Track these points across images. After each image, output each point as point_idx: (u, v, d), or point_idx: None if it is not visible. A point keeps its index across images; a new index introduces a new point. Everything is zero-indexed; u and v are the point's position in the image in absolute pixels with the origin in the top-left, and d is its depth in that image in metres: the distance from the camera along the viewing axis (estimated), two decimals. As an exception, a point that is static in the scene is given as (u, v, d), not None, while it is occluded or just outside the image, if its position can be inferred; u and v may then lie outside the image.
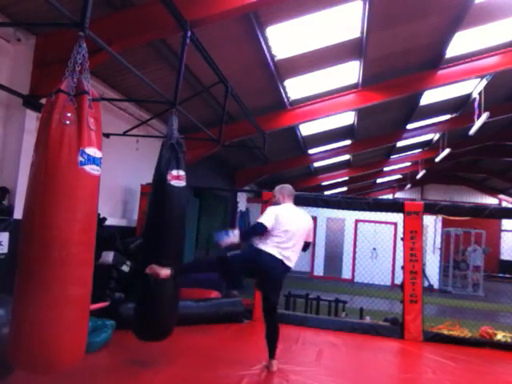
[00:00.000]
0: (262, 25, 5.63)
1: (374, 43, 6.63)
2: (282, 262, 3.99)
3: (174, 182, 3.75)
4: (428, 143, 14.35)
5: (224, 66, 5.23)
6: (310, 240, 4.43)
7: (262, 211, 6.72)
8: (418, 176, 16.91)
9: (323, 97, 8.36)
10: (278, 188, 4.42)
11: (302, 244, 4.23)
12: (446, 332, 6.16)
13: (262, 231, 3.95)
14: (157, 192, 3.81)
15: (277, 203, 4.29)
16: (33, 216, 2.42)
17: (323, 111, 8.51)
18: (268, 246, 3.95)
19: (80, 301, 2.52)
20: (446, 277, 14.24)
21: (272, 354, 4.12)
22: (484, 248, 14.42)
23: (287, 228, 4.00)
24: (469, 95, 9.91)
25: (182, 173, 3.80)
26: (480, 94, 9.02)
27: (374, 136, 12.25)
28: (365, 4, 5.63)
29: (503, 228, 22.04)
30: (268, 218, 4.00)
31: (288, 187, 4.42)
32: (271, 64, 6.58)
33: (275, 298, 4.16)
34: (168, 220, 3.79)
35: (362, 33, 6.32)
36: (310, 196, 6.87)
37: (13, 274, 2.47)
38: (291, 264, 4.13)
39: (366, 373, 4.51)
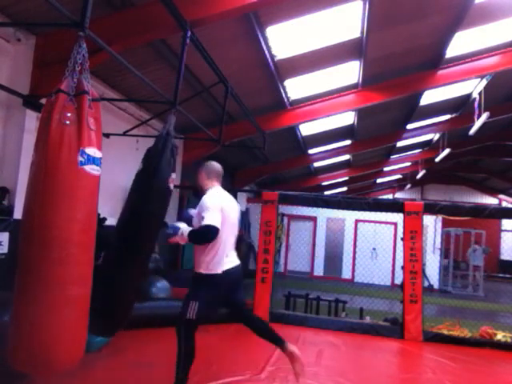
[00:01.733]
0: (262, 25, 5.63)
1: (374, 43, 6.63)
2: (233, 270, 3.40)
3: (171, 186, 3.53)
4: (428, 143, 14.35)
5: (224, 66, 5.23)
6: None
7: (263, 211, 6.75)
8: (418, 176, 16.91)
9: (323, 97, 8.36)
10: (202, 169, 3.58)
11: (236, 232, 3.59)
12: (445, 332, 6.17)
13: (214, 236, 3.21)
14: (154, 193, 3.69)
15: (201, 185, 3.54)
16: (33, 216, 2.42)
17: (323, 111, 8.52)
18: (220, 265, 3.31)
19: (80, 301, 2.52)
20: (446, 277, 14.25)
21: (279, 339, 3.51)
22: (484, 248, 14.41)
23: (228, 227, 3.35)
24: (469, 95, 9.91)
25: (174, 176, 3.50)
26: (480, 94, 9.02)
27: (373, 136, 12.25)
28: (365, 4, 5.63)
29: (503, 228, 22.03)
30: (215, 215, 3.22)
31: (214, 166, 3.58)
32: (271, 64, 6.59)
33: (241, 298, 3.64)
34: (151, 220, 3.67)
35: (362, 33, 6.32)
36: (310, 196, 6.88)
37: (13, 273, 2.47)
38: (237, 260, 3.54)
39: (366, 373, 4.51)
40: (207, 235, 3.21)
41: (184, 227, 3.33)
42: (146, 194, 3.48)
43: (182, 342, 3.27)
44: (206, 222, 3.19)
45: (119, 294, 3.43)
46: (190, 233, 3.27)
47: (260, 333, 3.57)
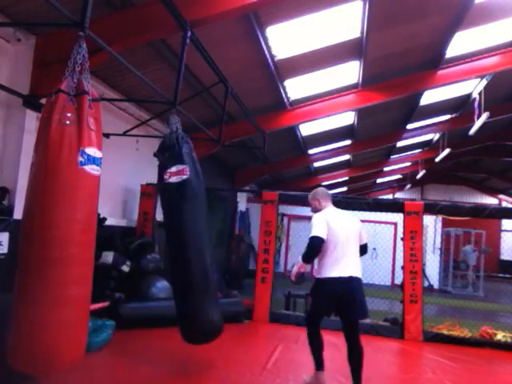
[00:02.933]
0: (262, 25, 5.62)
1: (374, 43, 6.63)
2: (347, 278, 3.61)
3: (173, 179, 3.65)
4: (428, 143, 14.35)
5: (224, 66, 5.23)
6: (365, 241, 3.94)
7: (263, 211, 6.75)
8: (418, 176, 16.90)
9: (323, 97, 8.35)
10: (310, 196, 4.02)
11: (357, 248, 3.80)
12: (445, 332, 6.17)
13: (319, 244, 3.57)
14: (160, 195, 3.84)
15: (316, 211, 3.89)
16: (33, 216, 2.42)
17: (323, 111, 8.51)
18: (327, 271, 3.64)
19: (80, 301, 2.52)
20: (446, 277, 14.25)
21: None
22: (484, 248, 14.42)
23: (338, 238, 3.65)
24: (469, 95, 9.90)
25: (181, 167, 3.63)
26: (480, 94, 9.01)
27: (373, 136, 12.24)
28: (365, 4, 5.63)
29: (503, 228, 22.00)
30: (319, 227, 3.60)
31: (320, 190, 4.05)
32: (271, 64, 6.58)
33: (354, 317, 3.80)
34: (170, 219, 3.79)
35: (362, 33, 6.32)
36: (310, 196, 6.86)
37: (13, 273, 2.47)
38: (358, 272, 3.71)
39: (366, 373, 4.49)
40: (312, 245, 3.61)
41: (295, 261, 3.82)
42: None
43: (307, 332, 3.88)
44: (310, 235, 3.63)
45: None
46: (303, 255, 3.69)
47: (349, 360, 3.77)
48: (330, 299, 3.67)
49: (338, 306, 3.70)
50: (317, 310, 3.86)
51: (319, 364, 3.85)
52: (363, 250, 3.90)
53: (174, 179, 3.64)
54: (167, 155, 3.76)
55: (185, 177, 3.63)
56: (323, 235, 3.57)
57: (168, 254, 3.91)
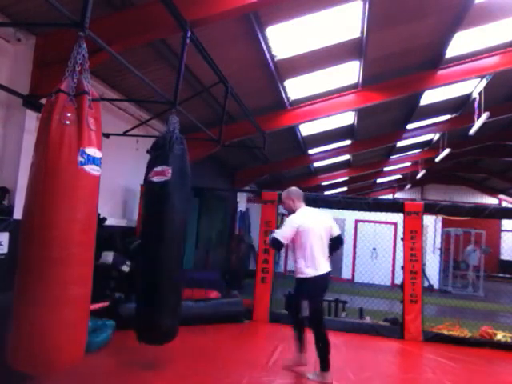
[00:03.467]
0: (262, 25, 5.62)
1: (374, 43, 6.63)
2: (324, 275, 4.03)
3: (156, 178, 3.67)
4: (428, 143, 14.35)
5: (224, 66, 5.23)
6: (337, 233, 4.27)
7: (263, 211, 6.75)
8: (418, 176, 16.90)
9: (323, 97, 8.35)
10: (284, 194, 4.31)
11: (327, 243, 4.16)
12: (445, 332, 6.16)
13: (276, 247, 4.10)
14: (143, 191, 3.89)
15: (290, 211, 4.20)
16: (33, 216, 2.42)
17: (323, 111, 8.51)
18: (307, 270, 3.99)
19: (80, 301, 2.52)
20: (446, 277, 14.24)
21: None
22: (484, 248, 14.41)
23: (311, 235, 3.99)
24: (469, 95, 9.91)
25: (165, 167, 3.67)
26: (480, 94, 9.01)
27: (374, 136, 12.24)
28: (365, 4, 5.63)
29: (503, 228, 22.01)
30: (287, 231, 4.03)
31: (294, 189, 4.31)
32: (271, 64, 6.58)
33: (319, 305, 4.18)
34: (148, 217, 3.80)
35: (362, 33, 6.32)
36: (310, 196, 6.86)
37: (13, 273, 2.47)
38: (328, 267, 4.11)
39: (366, 373, 4.51)
40: (271, 243, 4.10)
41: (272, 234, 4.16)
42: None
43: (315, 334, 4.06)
44: (274, 235, 4.09)
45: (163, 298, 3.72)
46: (270, 238, 4.11)
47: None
48: (321, 293, 4.11)
49: (318, 295, 4.11)
50: (319, 306, 4.11)
51: (328, 364, 3.99)
52: (338, 241, 4.27)
53: (156, 179, 3.68)
54: (156, 154, 3.78)
55: (166, 178, 3.65)
56: (285, 240, 3.98)
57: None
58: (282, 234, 4.00)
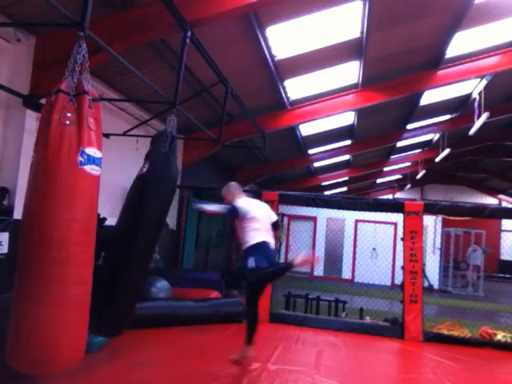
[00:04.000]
0: (262, 25, 5.62)
1: (374, 43, 6.63)
2: (266, 242, 4.32)
3: (138, 173, 3.67)
4: (428, 143, 14.35)
5: (224, 66, 5.23)
6: (275, 218, 4.70)
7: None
8: (418, 176, 16.90)
9: (323, 97, 8.36)
10: (223, 190, 4.62)
11: (269, 224, 4.51)
12: (445, 332, 6.17)
13: (234, 215, 4.35)
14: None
15: (232, 199, 4.48)
16: (33, 216, 2.42)
17: (323, 111, 8.51)
18: (251, 240, 4.25)
19: (80, 301, 2.52)
20: (446, 277, 14.25)
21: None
22: (484, 248, 14.42)
23: (257, 215, 4.36)
24: (469, 95, 9.91)
25: (146, 164, 3.63)
26: (480, 94, 9.02)
27: (373, 136, 12.25)
28: (365, 4, 5.63)
29: (503, 228, 22.03)
30: (220, 207, 4.48)
31: (233, 183, 4.66)
32: (271, 64, 6.58)
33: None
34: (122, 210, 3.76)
35: (362, 33, 6.32)
36: (310, 196, 6.87)
37: (13, 273, 2.47)
38: (271, 239, 4.41)
39: (366, 373, 4.51)
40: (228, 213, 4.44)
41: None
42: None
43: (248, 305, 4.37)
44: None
45: (119, 294, 3.44)
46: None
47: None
48: (265, 260, 4.20)
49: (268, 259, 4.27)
50: (261, 263, 4.19)
51: (252, 339, 4.21)
52: (275, 225, 4.63)
53: (138, 173, 3.69)
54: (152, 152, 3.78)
55: (141, 172, 3.62)
56: (240, 212, 4.28)
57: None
58: (240, 209, 4.32)
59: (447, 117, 11.71)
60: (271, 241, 4.43)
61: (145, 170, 3.59)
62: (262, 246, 4.28)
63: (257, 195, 6.48)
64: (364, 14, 5.82)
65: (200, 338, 5.14)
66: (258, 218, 4.38)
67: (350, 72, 7.65)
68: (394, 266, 13.91)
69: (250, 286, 4.32)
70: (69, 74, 2.50)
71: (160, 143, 3.65)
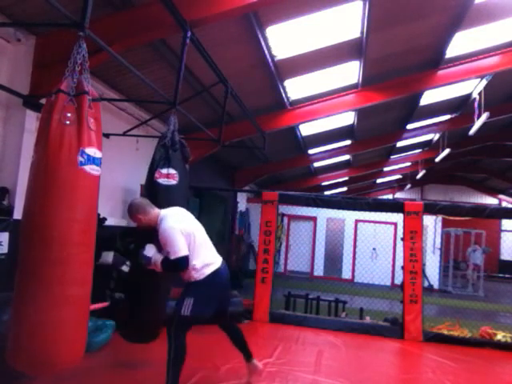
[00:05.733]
0: (262, 25, 5.62)
1: (374, 43, 6.63)
2: (220, 269, 3.46)
3: (162, 180, 3.73)
4: (428, 143, 14.35)
5: (224, 66, 5.23)
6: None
7: (262, 211, 6.75)
8: (418, 176, 16.90)
9: (323, 97, 8.36)
10: (129, 214, 3.47)
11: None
12: (445, 332, 6.17)
13: (187, 264, 3.27)
14: (145, 190, 3.87)
15: (151, 225, 3.40)
16: (33, 216, 2.42)
17: (323, 111, 8.51)
18: (208, 268, 3.38)
19: (80, 301, 2.52)
20: (446, 277, 14.25)
21: (249, 355, 3.77)
22: (484, 248, 14.42)
23: (197, 231, 3.45)
24: (469, 95, 9.91)
25: (172, 171, 3.71)
26: (480, 94, 9.02)
27: (374, 136, 12.24)
28: (365, 4, 5.63)
29: (503, 228, 22.02)
30: (181, 242, 3.24)
31: (137, 202, 3.49)
32: (271, 64, 6.58)
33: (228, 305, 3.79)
34: None
35: (361, 33, 6.32)
36: (310, 196, 6.88)
37: (13, 273, 2.47)
38: (219, 258, 3.56)
39: (366, 373, 4.51)
40: (180, 267, 3.27)
41: (155, 256, 3.30)
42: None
43: (172, 341, 3.32)
44: (173, 256, 3.21)
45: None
46: (163, 264, 3.27)
47: (235, 342, 3.77)
48: (216, 295, 3.46)
49: (220, 300, 3.50)
50: (201, 313, 3.38)
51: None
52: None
53: (162, 181, 3.73)
54: (161, 155, 3.81)
55: (174, 182, 3.74)
56: (186, 251, 3.24)
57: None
58: (181, 249, 3.22)
59: (447, 117, 11.71)
60: (220, 259, 3.52)
61: (177, 179, 3.74)
62: (214, 278, 3.37)
63: (257, 195, 6.47)
64: (364, 14, 5.82)
65: (200, 338, 5.14)
66: (197, 233, 3.43)
67: (349, 72, 7.65)
68: (393, 266, 13.91)
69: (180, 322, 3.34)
70: (69, 74, 2.50)
71: (178, 149, 3.78)
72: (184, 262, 3.23)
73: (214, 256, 3.52)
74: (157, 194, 3.74)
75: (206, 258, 3.41)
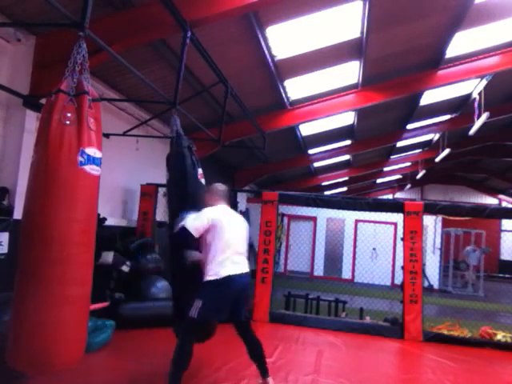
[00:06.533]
0: (262, 25, 5.63)
1: (374, 43, 6.63)
2: (238, 276, 3.41)
3: (203, 180, 3.98)
4: (428, 143, 14.36)
5: (224, 66, 5.23)
6: (249, 240, 3.86)
7: (263, 211, 6.75)
8: (418, 176, 16.91)
9: (323, 97, 8.36)
10: (209, 189, 3.80)
11: (246, 245, 3.68)
12: (445, 332, 6.16)
13: (184, 238, 3.39)
14: (182, 187, 3.80)
15: (208, 205, 3.65)
16: (33, 216, 2.42)
17: (323, 111, 8.52)
18: (224, 269, 3.36)
19: (80, 301, 2.52)
20: (446, 277, 14.25)
21: (265, 372, 3.64)
22: (484, 248, 14.41)
23: (230, 232, 3.47)
24: (469, 95, 9.91)
25: (201, 171, 4.00)
26: (480, 94, 9.02)
27: (374, 136, 12.25)
28: (365, 4, 5.63)
29: (503, 228, 22.01)
30: (198, 222, 3.37)
31: (218, 186, 3.78)
32: (271, 64, 6.58)
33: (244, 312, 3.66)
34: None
35: (361, 33, 6.32)
36: (310, 196, 6.87)
37: (13, 273, 2.47)
38: (245, 268, 3.54)
39: (366, 373, 4.51)
40: (179, 234, 3.39)
41: (180, 223, 3.44)
42: (185, 198, 3.74)
43: (179, 343, 3.32)
44: (185, 222, 3.38)
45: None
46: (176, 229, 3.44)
47: (252, 355, 3.64)
48: (227, 299, 3.40)
49: (232, 305, 3.44)
50: (208, 317, 3.41)
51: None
52: (251, 248, 4.03)
53: (202, 181, 3.99)
54: (191, 156, 3.90)
55: (203, 180, 4.00)
56: (195, 232, 3.35)
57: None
58: (191, 225, 3.35)
59: (447, 117, 11.72)
60: (244, 269, 3.52)
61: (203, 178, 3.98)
62: (227, 285, 3.33)
63: (257, 195, 6.45)
64: (364, 14, 5.82)
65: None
66: (230, 238, 3.44)
67: (349, 72, 7.66)
68: (393, 266, 13.90)
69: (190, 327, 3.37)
70: (69, 74, 2.50)
71: (191, 148, 3.90)
72: (182, 231, 3.33)
73: (238, 263, 3.49)
74: (201, 194, 3.84)
75: (228, 260, 3.40)
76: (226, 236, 3.43)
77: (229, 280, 3.35)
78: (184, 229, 3.33)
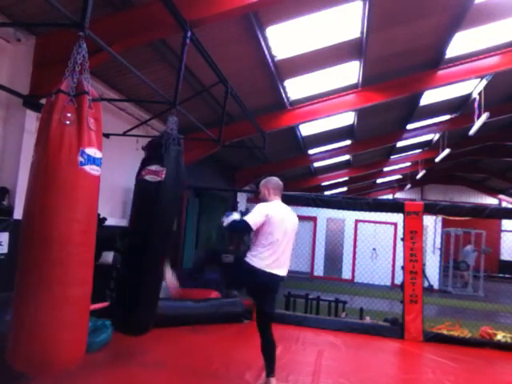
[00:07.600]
0: (262, 25, 5.62)
1: (374, 43, 6.63)
2: (272, 274, 3.65)
3: (149, 177, 3.69)
4: (428, 143, 14.35)
5: (224, 66, 5.23)
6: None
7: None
8: (418, 176, 16.90)
9: (323, 97, 8.36)
10: (262, 182, 3.98)
11: (291, 246, 3.91)
12: (445, 332, 6.17)
13: (244, 231, 3.90)
14: (134, 188, 3.86)
15: (263, 200, 3.88)
16: (33, 216, 2.42)
17: (323, 111, 8.51)
18: (257, 260, 3.63)
19: (80, 301, 2.52)
20: (446, 277, 14.25)
21: (270, 371, 3.68)
22: (484, 248, 14.42)
23: (277, 233, 3.67)
24: (469, 95, 9.91)
25: (160, 168, 3.69)
26: (480, 94, 9.02)
27: (374, 136, 12.25)
28: (365, 4, 5.63)
29: (503, 228, 22.02)
30: (257, 217, 3.64)
31: (274, 180, 3.96)
32: (271, 64, 6.58)
33: (270, 310, 3.82)
34: (137, 215, 3.85)
35: (362, 33, 6.32)
36: (310, 196, 6.87)
37: (13, 273, 2.47)
38: (283, 272, 3.76)
39: (366, 373, 4.51)
40: (241, 227, 3.71)
41: (232, 217, 3.74)
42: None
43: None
44: (245, 218, 3.67)
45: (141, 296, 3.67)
46: (232, 221, 3.70)
47: (262, 352, 3.73)
48: (259, 287, 3.72)
49: (261, 293, 3.76)
50: (258, 304, 3.82)
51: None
52: None
53: (149, 178, 3.70)
54: (152, 152, 3.79)
55: (159, 179, 3.67)
56: (254, 226, 3.61)
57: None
58: (252, 219, 3.61)
59: (447, 117, 11.72)
60: (282, 272, 3.73)
61: (163, 176, 3.68)
62: (260, 274, 3.60)
63: (257, 195, 6.45)
64: (364, 14, 5.82)
65: (200, 338, 5.15)
66: (280, 238, 3.69)
67: (349, 72, 7.65)
68: (393, 266, 13.91)
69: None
70: (69, 74, 2.50)
71: (170, 146, 3.75)
72: (245, 225, 3.59)
73: (277, 262, 3.68)
74: (144, 192, 3.73)
75: (270, 256, 3.64)
76: (274, 236, 3.66)
77: (263, 274, 3.61)
78: (246, 223, 3.58)
